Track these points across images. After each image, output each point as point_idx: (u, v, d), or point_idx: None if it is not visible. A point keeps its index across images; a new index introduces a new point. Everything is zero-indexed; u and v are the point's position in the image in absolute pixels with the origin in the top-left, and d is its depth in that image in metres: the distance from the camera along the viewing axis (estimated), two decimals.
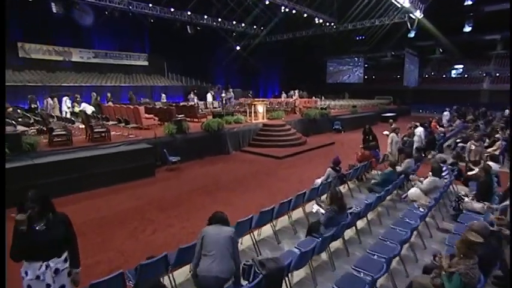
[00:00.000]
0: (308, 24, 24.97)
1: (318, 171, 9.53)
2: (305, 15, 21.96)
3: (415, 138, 10.01)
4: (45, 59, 23.75)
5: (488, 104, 29.70)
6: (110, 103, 14.90)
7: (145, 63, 29.41)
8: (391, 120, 11.29)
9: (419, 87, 35.27)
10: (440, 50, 38.38)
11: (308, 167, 9.99)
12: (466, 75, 35.73)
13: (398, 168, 7.54)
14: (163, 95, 21.89)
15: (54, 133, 8.14)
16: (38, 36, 22.67)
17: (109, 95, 15.93)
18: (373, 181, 6.74)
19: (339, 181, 6.95)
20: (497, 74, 33.47)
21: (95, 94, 15.37)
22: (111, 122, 10.70)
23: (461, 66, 36.47)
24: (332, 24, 24.39)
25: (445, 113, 19.39)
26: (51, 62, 23.88)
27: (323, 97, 22.69)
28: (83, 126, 10.18)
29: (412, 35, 35.07)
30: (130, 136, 9.87)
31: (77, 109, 13.27)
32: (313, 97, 21.22)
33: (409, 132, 11.60)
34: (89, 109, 13.47)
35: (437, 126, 14.89)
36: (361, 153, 8.35)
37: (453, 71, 37.13)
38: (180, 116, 12.03)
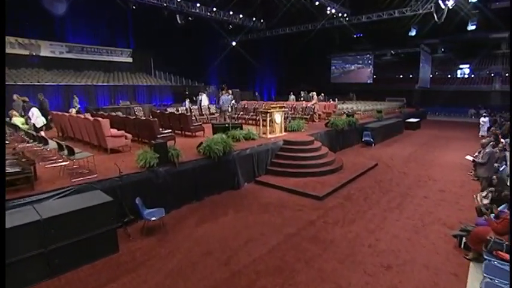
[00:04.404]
0: (315, 16, 20.87)
1: (392, 229, 5.36)
2: (317, 3, 17.86)
3: None
4: (6, 52, 18.92)
5: (500, 106, 26.58)
6: (74, 110, 10.44)
7: (129, 59, 24.79)
8: (484, 141, 7.28)
9: (427, 88, 31.83)
10: (442, 50, 35.18)
11: (371, 217, 5.94)
12: (472, 75, 32.46)
13: None
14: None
15: None
16: None
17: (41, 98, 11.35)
18: None
19: None
20: (507, 74, 30.29)
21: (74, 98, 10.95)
22: (51, 145, 6.34)
23: (467, 66, 33.19)
24: (345, 15, 20.39)
25: (483, 119, 15.57)
26: (13, 57, 19.08)
27: (336, 99, 18.71)
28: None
29: (413, 33, 31.59)
30: (80, 173, 5.60)
31: (17, 120, 8.81)
32: (331, 100, 17.22)
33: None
34: (41, 120, 9.08)
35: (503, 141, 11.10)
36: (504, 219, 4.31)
37: (459, 71, 33.82)
38: (166, 132, 7.83)
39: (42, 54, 20.35)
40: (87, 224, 4.25)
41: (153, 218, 5.06)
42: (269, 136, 9.32)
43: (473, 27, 31.57)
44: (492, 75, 30.83)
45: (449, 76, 33.55)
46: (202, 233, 5.32)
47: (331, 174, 8.32)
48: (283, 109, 9.96)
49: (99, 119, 7.02)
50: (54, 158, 6.53)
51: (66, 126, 8.77)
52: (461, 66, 33.66)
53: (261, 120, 9.66)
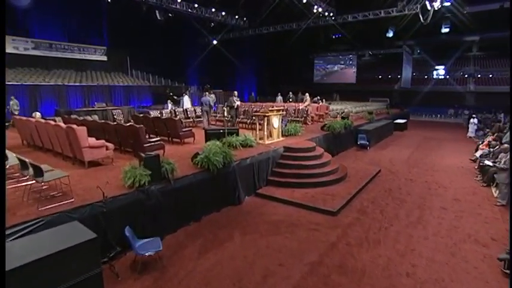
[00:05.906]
0: (300, 15, 20.25)
1: (424, 250, 4.52)
2: (304, 0, 17.18)
3: None
4: None
5: (475, 106, 27.43)
6: (38, 114, 8.97)
7: (104, 58, 22.93)
8: (506, 145, 6.81)
9: (405, 88, 32.30)
10: (418, 51, 35.98)
11: (396, 235, 5.23)
12: (447, 77, 33.34)
13: None
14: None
15: None
16: None
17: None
18: None
19: None
20: (479, 76, 31.39)
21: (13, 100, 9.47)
22: (11, 161, 5.06)
23: (442, 67, 34.07)
24: (331, 14, 19.90)
25: (473, 120, 15.59)
26: None
27: (324, 100, 18.17)
28: None
29: (390, 34, 31.97)
30: (51, 196, 4.45)
31: None
32: (320, 102, 16.62)
33: None
34: None
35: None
36: None
37: (434, 72, 34.63)
38: (153, 140, 6.75)
39: None
40: (61, 273, 3.17)
41: (148, 253, 4.03)
42: (267, 142, 8.45)
43: (447, 29, 32.36)
44: (466, 76, 31.81)
45: (426, 77, 34.29)
46: (208, 266, 4.35)
47: (338, 184, 7.59)
48: (281, 112, 9.11)
49: (74, 126, 5.81)
50: (17, 174, 5.30)
51: (33, 133, 7.43)
52: (436, 67, 34.52)
53: (257, 124, 8.76)
